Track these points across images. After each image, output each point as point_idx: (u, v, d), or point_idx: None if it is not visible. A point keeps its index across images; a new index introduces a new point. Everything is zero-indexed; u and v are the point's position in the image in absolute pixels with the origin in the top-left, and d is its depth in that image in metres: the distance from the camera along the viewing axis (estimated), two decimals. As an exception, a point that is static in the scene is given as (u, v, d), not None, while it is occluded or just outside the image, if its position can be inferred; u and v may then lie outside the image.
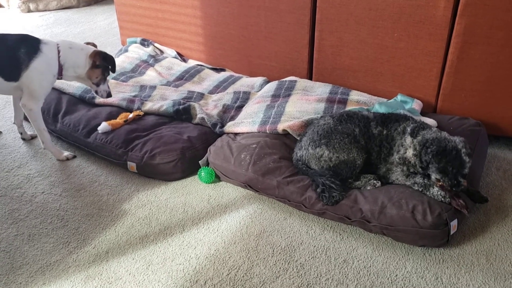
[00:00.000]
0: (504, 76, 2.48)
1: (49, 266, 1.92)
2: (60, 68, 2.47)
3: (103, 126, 2.62)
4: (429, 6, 2.50)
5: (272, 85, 3.00)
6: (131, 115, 2.73)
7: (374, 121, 2.25)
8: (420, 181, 2.04)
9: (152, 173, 2.47)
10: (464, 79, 2.58)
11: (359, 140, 2.20)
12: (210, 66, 3.56)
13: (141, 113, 2.79)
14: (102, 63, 2.54)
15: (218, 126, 2.66)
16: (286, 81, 3.00)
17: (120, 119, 2.71)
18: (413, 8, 2.55)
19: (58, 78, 2.51)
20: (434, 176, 2.01)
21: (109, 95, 2.65)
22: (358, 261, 1.92)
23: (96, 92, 2.63)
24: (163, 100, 2.99)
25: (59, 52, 2.45)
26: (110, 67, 2.59)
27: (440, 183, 1.99)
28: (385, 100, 2.78)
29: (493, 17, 2.36)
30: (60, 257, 1.97)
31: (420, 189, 2.03)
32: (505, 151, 2.66)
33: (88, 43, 2.61)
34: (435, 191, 1.99)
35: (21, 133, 2.82)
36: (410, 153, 2.09)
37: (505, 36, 2.38)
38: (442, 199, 1.97)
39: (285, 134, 2.51)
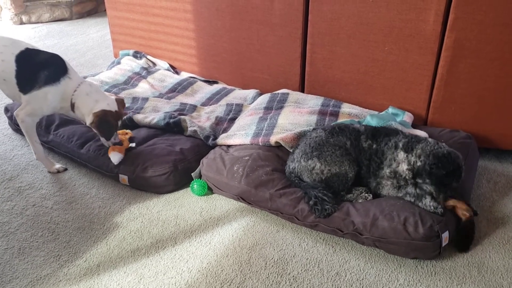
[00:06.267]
0: (493, 89, 2.52)
1: (39, 280, 1.90)
2: (72, 105, 2.46)
3: (115, 156, 2.47)
4: (419, 20, 2.54)
5: (265, 97, 3.01)
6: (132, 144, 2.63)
7: (364, 134, 2.27)
8: (412, 191, 2.06)
9: (144, 185, 2.46)
10: (454, 92, 2.61)
11: (351, 152, 2.22)
12: (202, 79, 3.57)
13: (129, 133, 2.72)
14: (98, 126, 2.44)
15: (210, 139, 2.66)
16: (278, 93, 3.02)
17: (121, 135, 2.62)
18: (403, 22, 2.59)
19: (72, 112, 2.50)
20: (429, 188, 2.04)
21: (116, 144, 2.52)
22: (350, 273, 1.92)
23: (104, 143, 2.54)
24: (155, 112, 3.00)
25: (74, 91, 2.44)
26: (104, 134, 2.47)
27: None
28: (376, 112, 2.80)
29: (482, 31, 2.40)
30: (51, 271, 1.94)
31: (412, 200, 2.05)
32: (495, 163, 2.68)
33: (117, 98, 2.56)
34: (427, 201, 2.01)
35: None
36: (404, 167, 2.11)
37: (493, 50, 2.42)
38: (434, 210, 1.98)
39: (278, 146, 2.52)
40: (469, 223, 2.03)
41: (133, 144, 2.62)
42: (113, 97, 2.61)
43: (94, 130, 2.51)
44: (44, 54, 2.48)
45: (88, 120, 2.44)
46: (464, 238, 2.04)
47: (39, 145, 2.55)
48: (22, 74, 2.40)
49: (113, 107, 2.48)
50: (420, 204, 2.02)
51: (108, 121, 2.44)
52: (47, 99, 2.41)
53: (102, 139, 2.53)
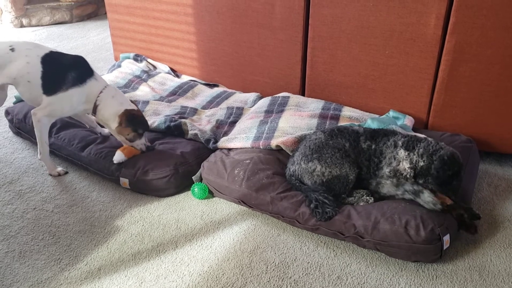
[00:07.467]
0: (494, 93, 2.52)
1: (40, 283, 1.90)
2: (95, 108, 2.48)
3: (118, 156, 2.49)
4: (420, 24, 2.54)
5: (265, 101, 3.02)
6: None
7: (363, 135, 2.28)
8: (410, 188, 2.04)
9: (145, 189, 2.46)
10: (454, 96, 2.62)
11: (350, 154, 2.22)
12: (203, 82, 3.57)
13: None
14: (129, 124, 2.47)
15: (211, 142, 2.67)
16: (279, 97, 3.02)
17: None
18: (404, 26, 2.59)
19: (93, 114, 2.52)
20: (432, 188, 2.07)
21: (149, 148, 2.57)
22: (352, 277, 1.92)
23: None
24: (156, 115, 3.00)
25: (100, 92, 2.46)
26: (139, 129, 2.51)
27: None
28: (377, 116, 2.80)
29: (482, 35, 2.41)
30: (51, 274, 1.94)
31: (412, 197, 2.03)
32: (496, 167, 2.68)
33: (132, 102, 2.58)
34: (425, 196, 1.99)
35: (99, 133, 2.80)
36: (405, 165, 2.12)
37: (494, 54, 2.43)
38: (433, 206, 1.97)
39: (279, 149, 2.52)
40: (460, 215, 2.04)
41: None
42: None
43: (118, 136, 2.51)
44: (68, 56, 2.51)
45: (114, 123, 2.47)
46: (468, 223, 2.06)
47: (47, 146, 2.55)
48: (48, 76, 2.41)
49: (134, 107, 2.54)
50: (419, 200, 2.00)
51: (135, 115, 2.48)
52: (72, 100, 2.43)
53: (134, 144, 2.52)
